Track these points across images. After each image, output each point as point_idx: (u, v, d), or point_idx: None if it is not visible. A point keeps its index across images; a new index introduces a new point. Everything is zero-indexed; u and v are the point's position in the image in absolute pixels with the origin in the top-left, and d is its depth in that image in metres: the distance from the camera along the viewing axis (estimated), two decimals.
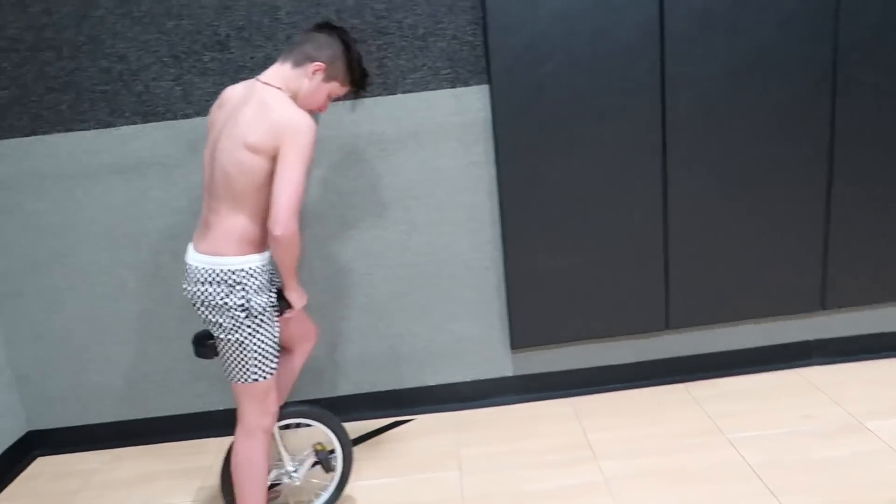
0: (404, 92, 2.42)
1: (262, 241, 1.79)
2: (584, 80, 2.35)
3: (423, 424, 2.66)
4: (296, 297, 1.87)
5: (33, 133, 2.44)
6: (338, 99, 1.96)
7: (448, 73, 2.42)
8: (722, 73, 2.36)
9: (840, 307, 2.64)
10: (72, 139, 2.45)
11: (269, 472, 2.01)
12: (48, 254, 2.55)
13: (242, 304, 1.74)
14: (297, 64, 1.79)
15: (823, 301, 2.62)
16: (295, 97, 1.80)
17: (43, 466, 2.65)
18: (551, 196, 2.47)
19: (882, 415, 2.35)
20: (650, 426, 2.45)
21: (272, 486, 2.11)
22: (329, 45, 1.80)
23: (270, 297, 1.80)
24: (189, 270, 1.78)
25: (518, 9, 2.28)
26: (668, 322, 2.64)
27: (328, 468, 2.06)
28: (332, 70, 1.81)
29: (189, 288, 1.79)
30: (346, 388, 2.72)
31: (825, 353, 2.74)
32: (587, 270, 2.56)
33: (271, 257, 1.85)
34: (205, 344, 1.82)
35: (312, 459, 2.11)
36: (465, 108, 2.45)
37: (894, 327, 2.70)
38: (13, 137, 2.44)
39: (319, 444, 2.07)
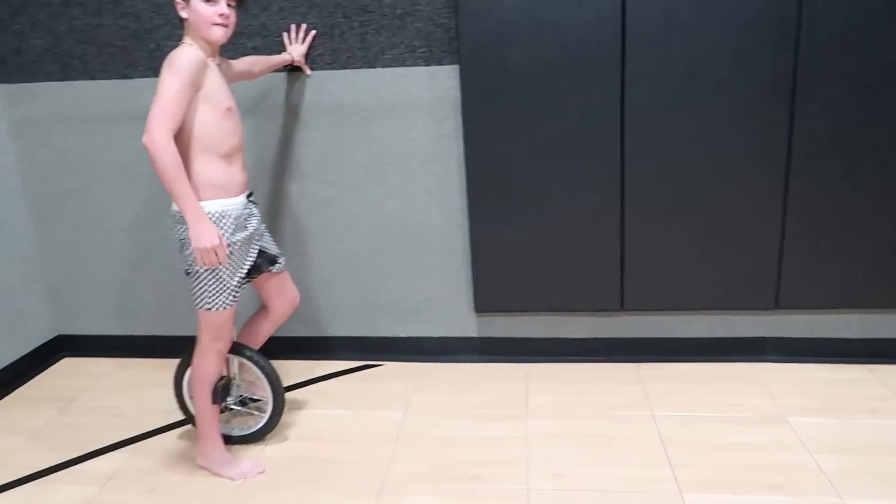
0: (383, 66, 2.61)
1: (220, 186, 2.03)
2: (546, 68, 2.47)
3: (387, 371, 2.93)
4: (198, 229, 1.92)
5: (64, 79, 2.79)
6: (231, 3, 1.98)
7: (423, 52, 2.58)
8: (681, 71, 2.42)
9: (793, 307, 2.70)
10: (95, 87, 2.78)
11: (227, 393, 2.33)
12: (74, 186, 2.93)
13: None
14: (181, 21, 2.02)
15: (777, 300, 2.68)
16: (198, 41, 1.99)
17: (66, 366, 3.11)
18: (514, 172, 2.62)
19: (806, 412, 2.44)
20: (587, 396, 2.63)
21: (225, 410, 2.43)
22: None
23: (231, 242, 2.04)
24: None
25: None
26: (623, 303, 2.77)
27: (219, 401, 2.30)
28: None
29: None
30: (328, 329, 3.02)
31: (779, 351, 2.81)
32: (547, 245, 2.72)
33: (242, 207, 2.10)
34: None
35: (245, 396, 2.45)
36: (438, 86, 2.61)
37: (845, 333, 2.73)
38: (47, 81, 2.80)
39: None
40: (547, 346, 2.92)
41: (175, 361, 3.08)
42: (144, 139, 1.87)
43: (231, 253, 2.07)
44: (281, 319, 2.41)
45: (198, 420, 2.25)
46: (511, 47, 2.46)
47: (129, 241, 2.98)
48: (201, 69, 1.95)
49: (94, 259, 3.03)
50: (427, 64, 2.59)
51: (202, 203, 1.99)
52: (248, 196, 2.17)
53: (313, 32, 2.60)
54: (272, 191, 2.82)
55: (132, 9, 2.66)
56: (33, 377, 3.00)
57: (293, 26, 2.59)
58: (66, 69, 2.77)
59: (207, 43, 2.01)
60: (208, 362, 2.18)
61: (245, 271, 2.14)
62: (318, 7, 2.57)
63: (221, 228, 2.03)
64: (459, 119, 2.64)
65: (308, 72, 2.63)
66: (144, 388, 2.86)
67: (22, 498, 2.17)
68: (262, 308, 2.41)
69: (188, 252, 2.05)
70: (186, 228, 1.98)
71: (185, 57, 1.90)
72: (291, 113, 2.72)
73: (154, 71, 2.72)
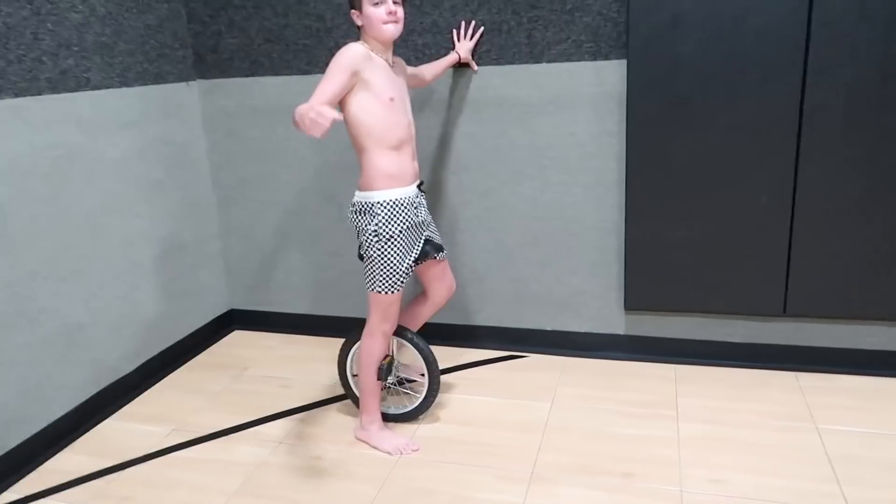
0: (549, 61, 2.64)
1: (392, 176, 2.17)
2: (720, 62, 2.40)
3: (532, 362, 2.98)
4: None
5: (252, 75, 3.05)
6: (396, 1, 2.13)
7: (590, 47, 2.59)
8: (872, 66, 2.27)
9: None
10: (279, 82, 3.02)
11: (390, 371, 2.47)
12: (257, 171, 3.20)
13: (375, 230, 2.17)
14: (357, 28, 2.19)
15: None
16: (371, 43, 2.15)
17: (237, 338, 3.41)
18: (677, 170, 2.57)
19: None
20: (742, 402, 2.54)
21: (384, 388, 2.58)
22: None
23: (405, 231, 2.19)
24: None
25: None
26: (785, 308, 2.65)
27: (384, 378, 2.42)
28: (356, 2, 2.12)
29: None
30: (475, 319, 3.11)
31: None
32: (707, 245, 2.65)
33: (413, 196, 2.23)
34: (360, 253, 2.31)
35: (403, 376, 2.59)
36: (603, 81, 2.61)
37: None
38: (239, 77, 3.08)
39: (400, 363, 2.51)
40: (699, 349, 2.84)
41: (334, 340, 3.31)
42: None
43: (402, 239, 2.19)
44: (439, 305, 2.53)
45: (361, 395, 2.40)
46: (683, 41, 2.41)
47: (299, 226, 3.22)
48: (362, 60, 2.09)
49: (267, 241, 3.30)
50: (593, 59, 2.60)
51: (377, 191, 2.15)
52: (419, 185, 2.29)
53: (481, 29, 2.68)
54: (431, 181, 2.94)
55: (315, 9, 2.86)
56: (209, 346, 3.32)
57: (462, 23, 2.69)
58: (255, 66, 3.03)
59: (381, 42, 2.16)
60: (376, 342, 2.32)
61: (414, 258, 2.26)
62: (488, 4, 2.64)
63: (394, 214, 2.17)
64: (623, 114, 2.63)
65: (475, 68, 2.72)
66: (308, 362, 3.09)
67: (210, 451, 2.43)
68: (422, 293, 2.54)
69: (363, 239, 2.20)
70: (364, 218, 2.16)
71: (348, 50, 2.08)
72: (455, 107, 2.82)
73: None
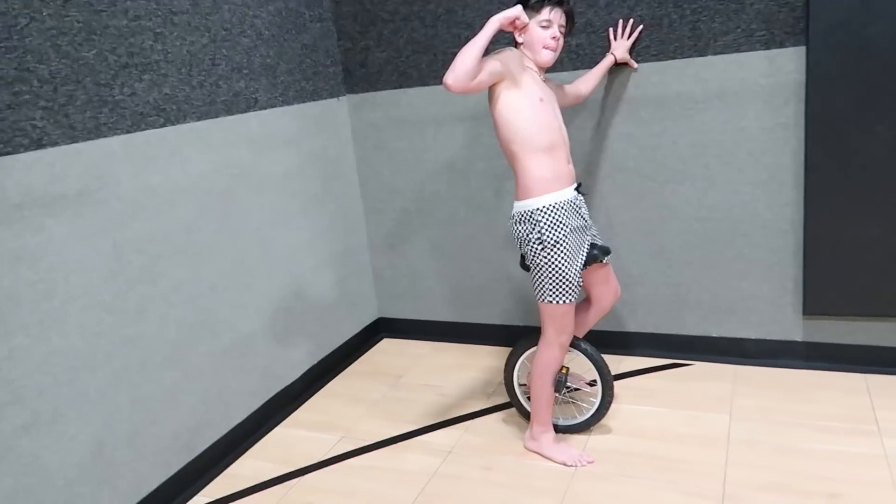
0: (714, 54, 2.50)
1: (549, 180, 2.12)
2: None
3: (700, 370, 2.82)
4: (498, 20, 2.02)
5: (399, 87, 3.09)
6: (561, 30, 2.15)
7: (762, 35, 2.43)
8: None
9: None
10: (426, 92, 3.04)
11: (566, 381, 2.40)
12: (403, 182, 3.24)
13: (539, 238, 2.12)
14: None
15: None
16: (530, 56, 2.18)
17: (386, 346, 3.46)
18: (864, 164, 2.36)
19: None
20: None
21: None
22: None
23: (568, 235, 2.13)
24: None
25: None
26: None
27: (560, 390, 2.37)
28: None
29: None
30: (631, 325, 2.99)
31: None
32: None
33: (573, 198, 2.18)
34: (524, 262, 2.27)
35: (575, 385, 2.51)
36: (777, 70, 2.44)
37: None
38: (386, 90, 3.12)
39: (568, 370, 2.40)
40: (891, 357, 2.59)
41: (482, 348, 3.29)
42: (447, 80, 1.96)
43: (568, 244, 2.13)
44: (605, 310, 2.45)
45: (534, 406, 2.34)
46: (873, 22, 2.21)
47: (447, 235, 3.23)
48: (517, 62, 2.11)
49: (414, 249, 3.33)
50: (766, 48, 2.43)
51: (537, 198, 2.12)
52: (577, 187, 2.22)
53: (640, 27, 2.58)
54: (586, 184, 2.86)
55: (464, 17, 2.86)
56: (361, 355, 3.38)
57: (619, 21, 2.59)
58: (403, 78, 3.07)
59: (536, 63, 2.18)
60: (553, 354, 2.26)
61: (582, 262, 2.19)
62: None
63: (557, 219, 2.12)
64: (800, 105, 2.44)
65: (634, 65, 2.62)
66: (460, 370, 3.08)
67: (380, 460, 2.45)
68: (586, 299, 2.45)
69: (528, 248, 2.16)
70: (526, 226, 2.13)
71: (506, 49, 2.12)
72: (610, 108, 2.73)
73: None
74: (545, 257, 2.14)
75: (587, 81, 2.56)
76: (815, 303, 2.62)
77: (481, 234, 3.14)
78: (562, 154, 2.18)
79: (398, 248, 3.37)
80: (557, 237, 2.12)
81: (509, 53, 2.11)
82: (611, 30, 2.62)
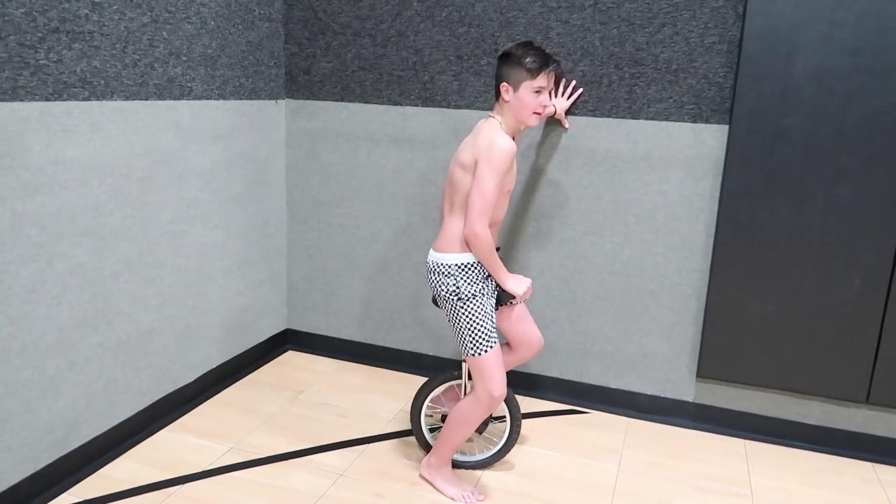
0: (646, 119, 2.63)
1: None
2: (826, 139, 2.36)
3: (595, 419, 2.90)
4: (511, 285, 2.16)
5: (341, 100, 3.07)
6: (551, 91, 2.20)
7: (691, 109, 2.57)
8: None
9: None
10: (367, 110, 3.04)
11: (486, 426, 2.37)
12: (331, 195, 3.20)
13: (455, 291, 2.14)
14: (497, 95, 2.13)
15: None
16: (509, 120, 2.11)
17: (291, 358, 3.37)
18: (768, 243, 2.52)
19: None
20: (821, 490, 2.44)
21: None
22: (500, 66, 2.09)
23: (483, 287, 2.15)
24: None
25: (773, 61, 2.35)
26: (869, 396, 2.56)
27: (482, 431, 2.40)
28: (514, 79, 2.05)
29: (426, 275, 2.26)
30: (536, 367, 3.05)
31: None
32: (791, 321, 2.58)
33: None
34: (435, 299, 2.28)
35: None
36: (701, 144, 2.58)
37: None
38: (327, 101, 3.10)
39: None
40: (771, 426, 2.75)
41: (389, 372, 3.26)
42: (466, 231, 2.06)
43: (484, 297, 2.16)
44: (524, 359, 2.46)
45: (442, 443, 2.30)
46: (790, 114, 2.38)
47: (368, 254, 3.20)
48: (512, 157, 2.08)
49: (332, 264, 3.29)
50: (693, 121, 2.57)
51: (458, 255, 2.14)
52: (496, 250, 2.26)
53: (580, 91, 2.68)
54: (511, 226, 2.91)
55: (415, 43, 2.88)
56: (264, 365, 3.28)
57: (564, 80, 2.69)
58: (345, 91, 3.05)
59: (519, 124, 2.14)
60: (480, 410, 2.19)
61: (494, 312, 2.23)
62: (591, 56, 2.64)
63: (472, 276, 2.15)
64: (717, 180, 2.59)
65: (566, 125, 2.71)
66: (364, 392, 3.03)
67: (267, 476, 2.37)
68: (506, 344, 2.47)
69: (443, 299, 2.18)
70: (440, 278, 2.16)
71: (504, 151, 2.03)
72: (545, 154, 2.80)
73: (423, 101, 2.92)
74: (462, 309, 2.15)
75: None
76: (708, 367, 2.75)
77: (402, 258, 3.14)
78: (496, 227, 2.25)
79: (316, 260, 3.31)
80: (474, 290, 2.15)
81: (506, 159, 2.03)
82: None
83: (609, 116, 2.68)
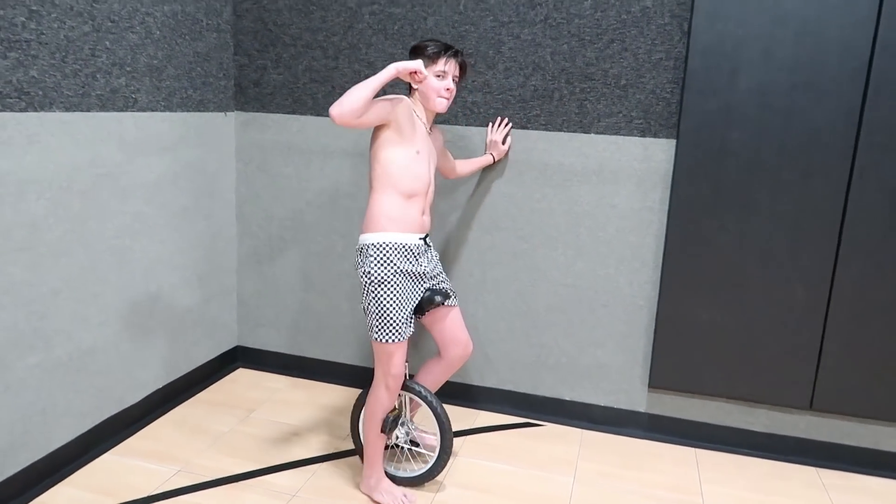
0: (597, 133, 2.66)
1: (392, 219, 2.16)
2: (768, 153, 2.43)
3: (550, 431, 2.90)
4: (391, 70, 2.06)
5: (292, 112, 3.03)
6: (455, 80, 2.25)
7: (640, 123, 2.62)
8: None
9: None
10: (319, 122, 3.00)
11: (395, 425, 2.35)
12: (283, 208, 3.15)
13: (367, 272, 2.16)
14: (410, 88, 2.27)
15: None
16: (421, 107, 2.25)
17: (242, 376, 3.29)
18: (715, 254, 2.58)
19: None
20: (769, 496, 2.49)
21: (394, 446, 2.49)
22: (411, 57, 2.24)
23: (395, 278, 2.15)
24: None
25: (717, 77, 2.42)
26: (812, 402, 2.63)
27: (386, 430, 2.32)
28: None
29: None
30: (491, 381, 3.04)
31: None
32: (737, 331, 2.63)
33: (413, 244, 2.20)
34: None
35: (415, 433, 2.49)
36: (650, 157, 2.63)
37: None
38: (278, 113, 3.05)
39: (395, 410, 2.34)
40: (719, 434, 2.80)
41: (343, 388, 3.21)
42: (331, 113, 1.98)
43: (395, 285, 2.16)
44: (454, 366, 2.44)
45: (365, 447, 2.33)
46: (735, 128, 2.45)
47: (320, 268, 3.16)
48: (406, 111, 2.14)
49: (284, 279, 3.23)
50: (642, 135, 2.62)
51: (375, 234, 2.16)
52: (424, 238, 2.27)
53: (510, 126, 2.75)
54: (465, 239, 2.91)
55: (367, 56, 2.87)
56: (213, 383, 3.19)
57: (498, 118, 2.75)
58: (297, 104, 3.01)
59: (429, 110, 2.27)
60: (378, 395, 2.26)
61: (412, 307, 2.22)
62: (543, 70, 2.67)
63: (385, 258, 2.15)
64: (666, 192, 2.64)
65: (501, 152, 2.77)
66: (315, 410, 2.98)
67: (216, 499, 2.30)
68: (437, 354, 2.46)
69: (362, 285, 2.20)
70: (359, 259, 2.19)
71: (398, 97, 2.14)
72: (498, 167, 2.81)
73: None
74: (372, 293, 2.17)
75: (465, 166, 2.70)
76: (659, 377, 2.79)
77: (356, 272, 3.10)
78: (418, 203, 2.22)
79: (268, 275, 3.25)
80: (383, 276, 2.15)
81: (400, 102, 2.14)
82: (490, 124, 2.76)
83: (561, 130, 2.71)
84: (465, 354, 2.43)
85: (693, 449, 2.81)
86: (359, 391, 3.15)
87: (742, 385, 2.69)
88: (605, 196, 2.72)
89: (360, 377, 3.20)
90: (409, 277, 2.20)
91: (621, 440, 2.85)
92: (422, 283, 2.26)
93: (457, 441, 2.76)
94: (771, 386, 2.66)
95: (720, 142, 2.48)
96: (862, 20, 2.29)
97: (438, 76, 2.21)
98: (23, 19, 2.04)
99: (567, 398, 2.97)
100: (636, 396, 2.88)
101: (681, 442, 2.84)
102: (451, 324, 2.38)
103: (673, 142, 2.59)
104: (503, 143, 2.74)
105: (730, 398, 2.75)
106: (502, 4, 2.67)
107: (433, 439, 2.46)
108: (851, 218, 2.43)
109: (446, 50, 2.23)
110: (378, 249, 2.15)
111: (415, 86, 2.23)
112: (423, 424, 2.61)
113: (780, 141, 2.42)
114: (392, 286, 2.16)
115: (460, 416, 2.95)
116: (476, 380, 3.05)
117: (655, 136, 2.61)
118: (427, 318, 2.36)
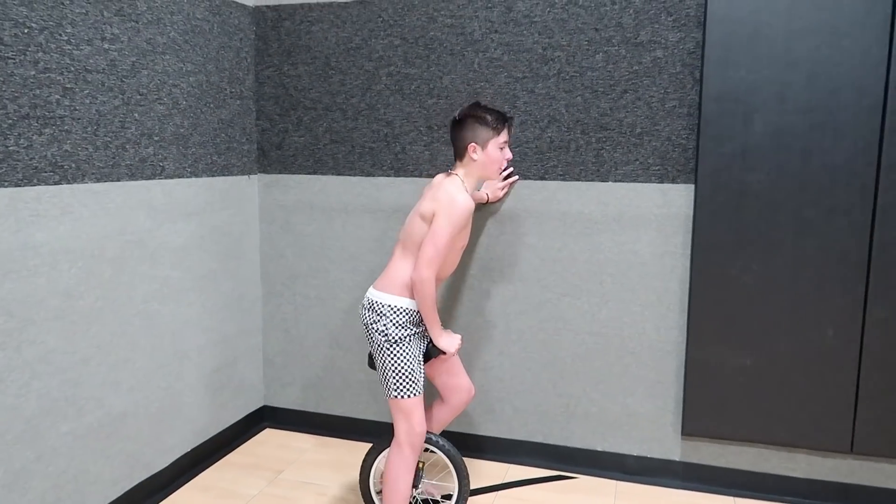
0: (615, 181, 2.69)
1: (410, 290, 2.20)
2: (788, 194, 2.43)
3: (584, 484, 2.84)
4: (444, 342, 2.24)
5: (314, 173, 3.10)
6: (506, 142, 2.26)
7: (657, 170, 2.64)
8: None
9: None
10: (340, 181, 3.06)
11: (419, 479, 2.34)
12: (307, 267, 3.19)
13: (384, 332, 2.17)
14: (461, 156, 2.23)
15: None
16: (472, 177, 2.23)
17: (269, 436, 3.28)
18: (741, 296, 2.55)
19: None
20: None
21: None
22: (463, 128, 2.21)
23: (412, 334, 2.20)
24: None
25: (732, 121, 2.44)
26: (853, 446, 2.56)
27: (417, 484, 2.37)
28: (481, 138, 2.18)
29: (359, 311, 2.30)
30: (520, 433, 3.00)
31: None
32: (771, 374, 2.59)
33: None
34: (371, 360, 2.31)
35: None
36: (669, 203, 2.64)
37: None
38: (300, 174, 3.12)
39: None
40: (759, 482, 2.72)
41: (369, 446, 3.18)
42: (415, 275, 2.12)
43: (411, 343, 2.21)
44: (458, 408, 2.49)
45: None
46: (753, 170, 2.46)
47: (346, 326, 3.17)
48: (468, 218, 2.19)
49: (310, 337, 3.24)
50: (661, 181, 2.64)
51: (396, 297, 2.19)
52: None
53: (515, 178, 2.80)
54: (487, 291, 2.92)
55: (385, 115, 2.94)
56: (241, 444, 3.18)
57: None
58: (318, 164, 3.08)
59: (484, 179, 2.33)
60: (405, 453, 2.23)
61: (421, 361, 2.26)
62: (558, 122, 2.72)
63: (401, 321, 2.19)
64: (688, 237, 2.64)
65: (496, 199, 2.81)
66: (343, 468, 2.95)
67: None
68: (440, 397, 2.49)
69: (373, 340, 2.22)
70: (374, 316, 2.20)
71: (463, 208, 2.14)
72: (520, 218, 2.84)
73: (395, 171, 2.96)
74: (389, 351, 2.19)
75: None
76: (692, 424, 2.73)
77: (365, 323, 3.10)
78: (441, 282, 2.30)
79: (292, 333, 3.27)
80: (400, 335, 2.19)
81: (465, 214, 2.14)
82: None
83: (579, 180, 2.74)
84: (470, 398, 2.48)
85: (732, 498, 2.73)
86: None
87: (779, 430, 2.62)
88: (627, 243, 2.73)
89: (385, 433, 3.16)
90: (417, 337, 2.26)
91: (657, 490, 2.78)
92: (424, 339, 2.31)
93: (488, 497, 2.71)
94: (809, 430, 2.59)
95: (739, 184, 2.48)
96: (874, 60, 2.32)
97: (501, 147, 2.22)
98: (57, 97, 2.13)
99: (599, 448, 2.91)
100: (670, 445, 2.82)
101: (718, 491, 2.76)
102: (453, 373, 2.43)
103: (691, 186, 2.61)
104: (501, 189, 2.77)
105: (767, 444, 2.68)
106: (516, 61, 2.74)
107: (441, 495, 2.44)
108: (878, 254, 2.41)
109: (506, 119, 2.22)
110: (395, 312, 2.20)
111: (473, 157, 2.19)
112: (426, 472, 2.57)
113: (800, 181, 2.43)
114: (408, 344, 2.21)
115: (490, 471, 2.90)
116: (505, 433, 3.01)
117: (674, 181, 2.63)
118: (430, 370, 2.39)
